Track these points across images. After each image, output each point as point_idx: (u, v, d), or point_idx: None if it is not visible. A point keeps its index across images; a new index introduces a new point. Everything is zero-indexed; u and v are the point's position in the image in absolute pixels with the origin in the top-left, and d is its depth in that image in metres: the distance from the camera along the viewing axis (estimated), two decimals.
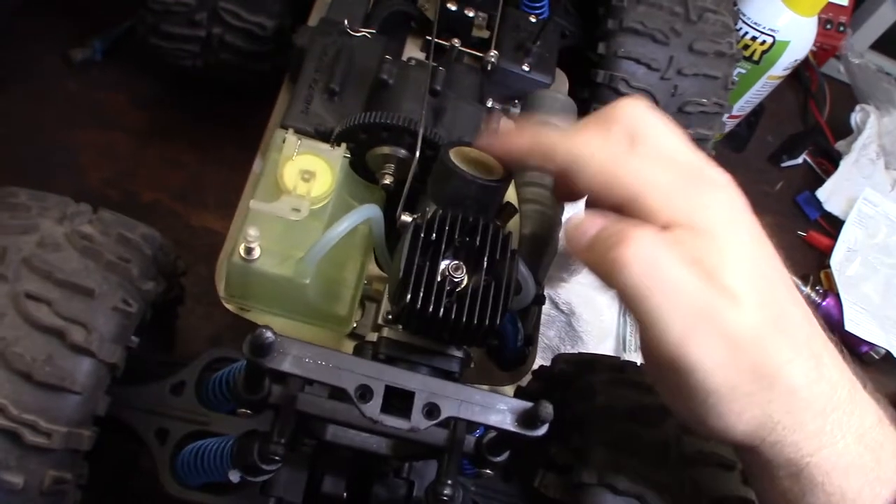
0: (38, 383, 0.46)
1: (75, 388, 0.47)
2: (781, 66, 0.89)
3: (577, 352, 0.83)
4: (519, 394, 0.67)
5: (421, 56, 0.72)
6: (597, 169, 0.41)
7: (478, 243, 0.51)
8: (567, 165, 0.43)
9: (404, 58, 0.73)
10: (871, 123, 1.05)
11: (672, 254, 0.38)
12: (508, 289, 0.51)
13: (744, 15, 0.88)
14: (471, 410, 0.44)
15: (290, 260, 0.53)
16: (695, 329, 0.37)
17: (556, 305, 0.80)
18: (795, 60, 0.89)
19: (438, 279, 0.49)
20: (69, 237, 0.52)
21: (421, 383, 0.44)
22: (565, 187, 0.48)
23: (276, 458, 0.47)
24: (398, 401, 0.44)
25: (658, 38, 0.77)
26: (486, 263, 0.51)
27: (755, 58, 0.89)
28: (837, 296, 0.99)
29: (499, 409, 0.45)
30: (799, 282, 1.00)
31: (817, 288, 1.01)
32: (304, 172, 0.54)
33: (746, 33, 0.88)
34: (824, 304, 0.99)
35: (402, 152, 0.60)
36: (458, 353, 0.56)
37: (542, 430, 0.45)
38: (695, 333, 0.37)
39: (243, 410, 0.48)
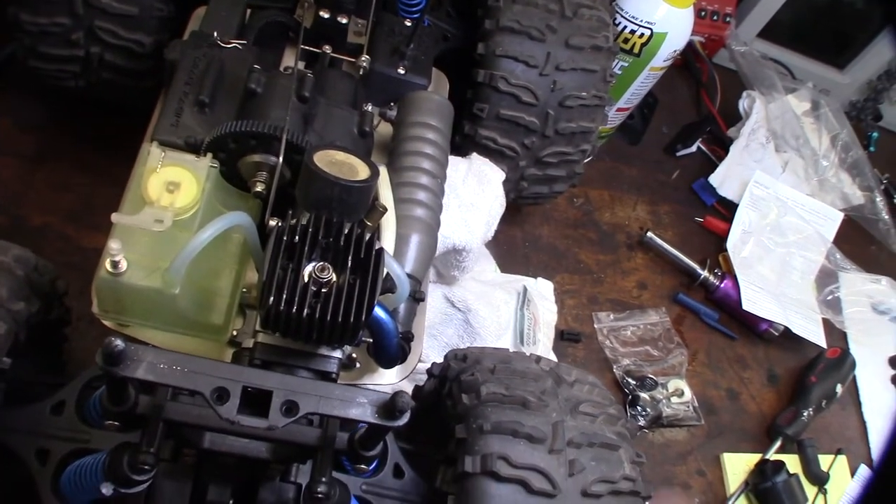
0: None
1: None
2: (661, 58, 0.92)
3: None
4: (416, 393, 0.68)
5: (300, 66, 0.73)
6: None
7: (342, 244, 0.53)
8: None
9: (282, 67, 0.74)
10: (757, 108, 1.09)
11: None
12: (374, 286, 0.52)
13: (621, 10, 0.91)
14: (330, 405, 0.45)
15: (158, 272, 0.53)
16: None
17: (451, 304, 0.81)
18: (675, 51, 0.92)
19: (305, 281, 0.50)
20: None
21: (279, 382, 0.45)
22: None
23: (147, 467, 0.47)
24: (259, 402, 0.45)
25: (534, 36, 0.79)
26: (350, 263, 0.52)
27: (635, 51, 0.92)
28: (735, 277, 1.02)
29: (359, 403, 0.45)
30: (696, 266, 1.03)
31: (715, 271, 1.04)
32: (169, 184, 0.54)
33: (625, 27, 0.91)
34: (722, 286, 1.02)
35: (273, 159, 0.61)
36: (336, 354, 0.56)
37: (403, 421, 0.46)
38: None
39: (111, 423, 0.48)
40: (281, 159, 0.56)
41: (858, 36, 1.24)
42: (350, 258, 0.52)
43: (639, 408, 0.91)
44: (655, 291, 1.02)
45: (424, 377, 0.67)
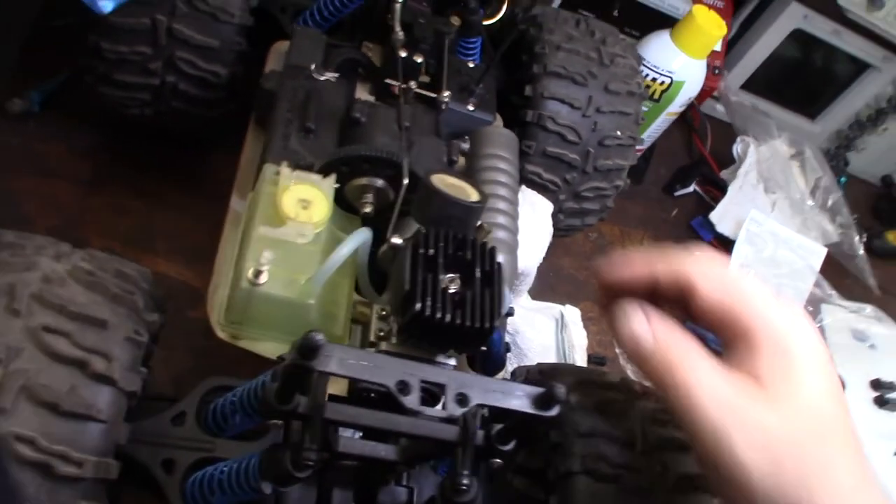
0: (66, 413, 0.46)
1: (101, 416, 0.47)
2: (678, 104, 1.01)
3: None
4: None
5: (369, 98, 0.78)
6: (716, 281, 0.47)
7: (468, 257, 0.57)
8: (689, 274, 0.47)
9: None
10: (751, 153, 1.19)
11: (705, 354, 0.45)
12: (500, 295, 0.57)
13: (645, 59, 0.99)
14: (494, 397, 0.49)
15: (294, 283, 0.57)
16: (729, 432, 0.42)
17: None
18: (689, 98, 1.01)
19: (445, 291, 0.54)
20: (72, 273, 0.54)
21: (449, 377, 0.49)
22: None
23: (311, 463, 0.50)
24: (427, 395, 0.49)
25: (578, 80, 0.86)
26: (478, 274, 0.57)
27: (655, 97, 1.00)
28: None
29: (517, 395, 0.50)
30: None
31: None
32: (302, 201, 0.58)
33: (647, 75, 0.99)
34: None
35: (380, 182, 0.65)
36: (450, 362, 0.61)
37: (555, 411, 0.50)
38: (730, 438, 0.42)
39: (274, 422, 0.51)
40: (406, 181, 0.61)
41: (826, 90, 1.37)
42: (477, 270, 0.57)
43: None
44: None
45: None
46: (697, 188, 1.24)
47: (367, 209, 0.65)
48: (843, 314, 1.20)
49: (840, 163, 1.40)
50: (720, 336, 0.48)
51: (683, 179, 1.22)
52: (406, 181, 0.61)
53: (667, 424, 0.67)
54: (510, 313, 0.69)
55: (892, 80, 1.32)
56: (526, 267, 0.81)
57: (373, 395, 0.58)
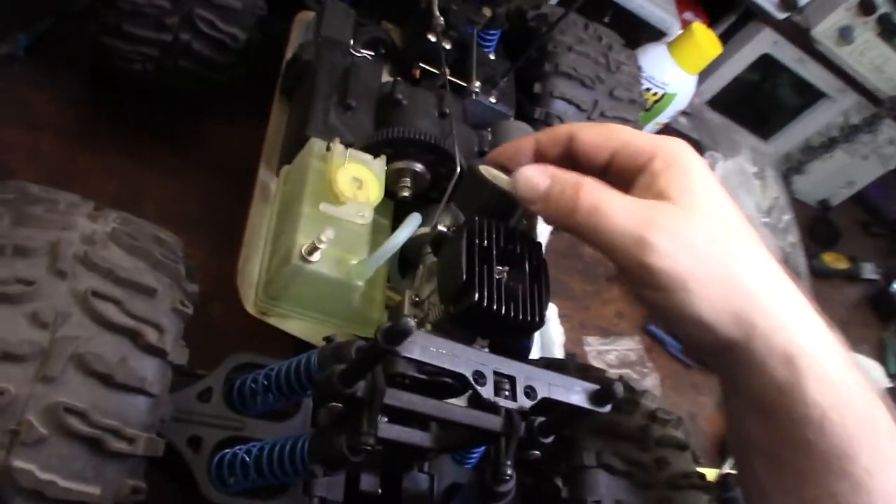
0: (118, 386, 0.43)
1: (152, 390, 0.45)
2: (667, 115, 1.04)
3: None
4: None
5: (389, 79, 0.77)
6: (595, 129, 0.50)
7: (517, 250, 0.58)
8: (571, 130, 0.51)
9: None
10: (719, 168, 1.23)
11: (612, 189, 0.47)
12: (547, 291, 0.58)
13: (641, 69, 1.02)
14: (558, 392, 0.50)
15: (343, 263, 0.56)
16: (648, 232, 0.44)
17: None
18: (678, 110, 1.04)
19: (499, 283, 0.55)
20: (112, 235, 0.51)
21: (518, 369, 0.49)
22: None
23: (369, 447, 0.49)
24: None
25: (586, 83, 0.87)
26: (528, 268, 0.57)
27: (647, 106, 1.03)
28: None
29: (576, 391, 0.51)
30: None
31: None
32: (355, 180, 0.57)
33: (642, 84, 1.02)
34: None
35: (419, 167, 0.65)
36: (485, 350, 0.61)
37: (608, 408, 0.52)
38: (649, 235, 0.44)
39: (334, 405, 0.50)
40: (459, 169, 0.61)
41: (782, 114, 1.44)
42: (527, 263, 0.57)
43: None
44: (631, 321, 1.13)
45: None
46: None
47: (405, 193, 0.64)
48: None
49: (787, 184, 1.47)
50: (610, 178, 0.49)
51: None
52: (458, 169, 0.60)
53: (666, 424, 0.70)
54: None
55: (844, 111, 1.40)
56: None
57: (407, 381, 0.58)
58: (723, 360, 0.49)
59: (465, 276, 0.54)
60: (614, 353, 1.06)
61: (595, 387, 0.51)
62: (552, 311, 1.03)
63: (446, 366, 0.46)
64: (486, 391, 0.47)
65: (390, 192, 0.65)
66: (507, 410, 0.55)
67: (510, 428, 0.55)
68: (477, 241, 0.56)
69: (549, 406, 0.54)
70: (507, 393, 0.49)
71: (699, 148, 1.30)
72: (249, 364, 0.60)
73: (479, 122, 0.77)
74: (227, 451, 0.55)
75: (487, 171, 0.62)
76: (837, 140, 1.39)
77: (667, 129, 1.34)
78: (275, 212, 0.61)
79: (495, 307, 0.54)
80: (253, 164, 0.71)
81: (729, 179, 1.24)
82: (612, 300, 1.13)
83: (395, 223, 0.61)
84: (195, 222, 0.83)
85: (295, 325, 0.60)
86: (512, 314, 0.54)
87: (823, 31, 1.23)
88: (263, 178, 0.66)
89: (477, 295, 0.53)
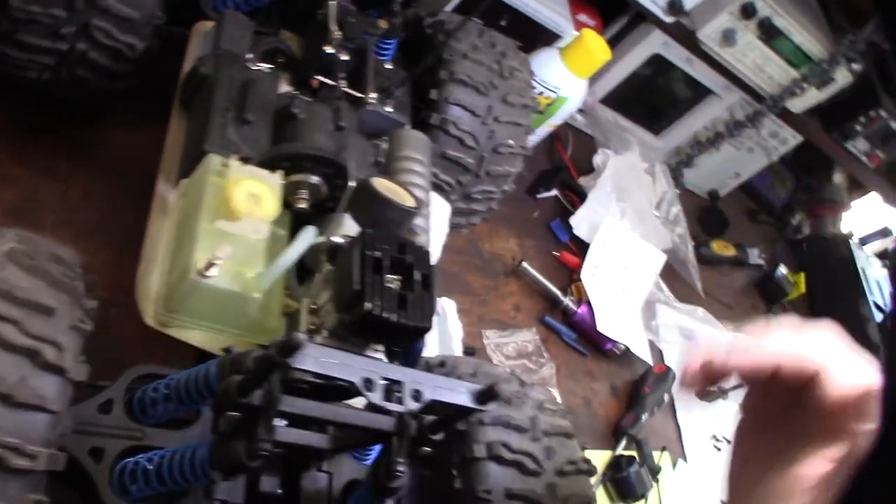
0: (18, 405, 0.45)
1: (52, 407, 0.46)
2: (560, 117, 1.09)
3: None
4: None
5: (288, 90, 0.79)
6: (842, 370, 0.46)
7: (409, 260, 0.62)
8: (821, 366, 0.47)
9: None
10: (610, 164, 1.30)
11: None
12: (433, 299, 0.62)
13: (534, 75, 1.06)
14: (443, 394, 0.54)
15: (241, 277, 0.58)
16: None
17: None
18: (570, 113, 1.10)
19: (391, 292, 0.58)
20: (11, 255, 0.52)
21: (406, 375, 0.53)
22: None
23: (265, 453, 0.52)
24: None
25: (481, 90, 0.91)
26: (418, 277, 0.61)
27: (541, 109, 1.08)
28: (589, 303, 1.21)
29: (461, 391, 0.55)
30: (559, 293, 1.21)
31: (572, 298, 1.22)
32: (252, 196, 0.59)
33: (536, 89, 1.07)
34: (579, 310, 1.21)
35: (315, 179, 0.67)
36: (380, 356, 0.65)
37: (492, 406, 0.56)
38: None
39: (232, 414, 0.52)
40: (352, 182, 0.64)
41: (672, 110, 1.52)
42: (417, 272, 0.61)
43: None
44: (528, 313, 1.18)
45: None
46: (558, 193, 1.34)
47: (302, 205, 0.67)
48: (674, 315, 1.35)
49: (677, 176, 1.55)
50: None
51: (546, 183, 1.31)
52: (352, 183, 0.64)
53: (554, 414, 0.75)
54: (438, 313, 0.73)
55: (729, 107, 1.48)
56: None
57: (305, 386, 0.61)
58: None
59: (357, 287, 0.58)
60: (512, 345, 1.12)
61: (478, 388, 0.56)
62: (450, 307, 1.07)
63: (337, 375, 0.50)
64: (376, 397, 0.51)
65: (288, 204, 0.67)
66: (399, 412, 0.60)
67: (402, 428, 0.59)
68: (369, 252, 0.59)
69: (437, 406, 0.58)
70: (396, 397, 0.52)
71: (593, 145, 1.37)
72: (150, 374, 0.62)
73: (375, 131, 0.80)
74: (128, 460, 0.57)
75: (380, 183, 0.66)
76: (723, 135, 1.48)
77: (564, 128, 1.40)
78: (173, 225, 0.63)
79: (386, 315, 0.57)
80: (154, 170, 0.72)
81: (621, 175, 1.30)
82: (510, 294, 1.18)
83: (294, 234, 0.63)
84: (96, 229, 0.83)
85: (195, 336, 0.62)
86: (403, 321, 0.58)
87: (708, 34, 1.30)
88: (162, 191, 0.67)
89: (368, 304, 0.57)
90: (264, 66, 0.72)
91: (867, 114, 1.54)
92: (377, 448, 0.69)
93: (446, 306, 1.05)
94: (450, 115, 0.90)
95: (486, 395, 0.55)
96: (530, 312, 1.19)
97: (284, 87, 0.78)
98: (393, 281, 0.60)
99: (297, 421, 0.58)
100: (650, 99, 1.50)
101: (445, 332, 1.00)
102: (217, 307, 0.59)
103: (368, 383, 0.51)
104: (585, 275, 1.24)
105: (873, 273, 1.76)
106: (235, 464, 0.53)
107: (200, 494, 0.59)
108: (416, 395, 0.53)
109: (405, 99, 0.85)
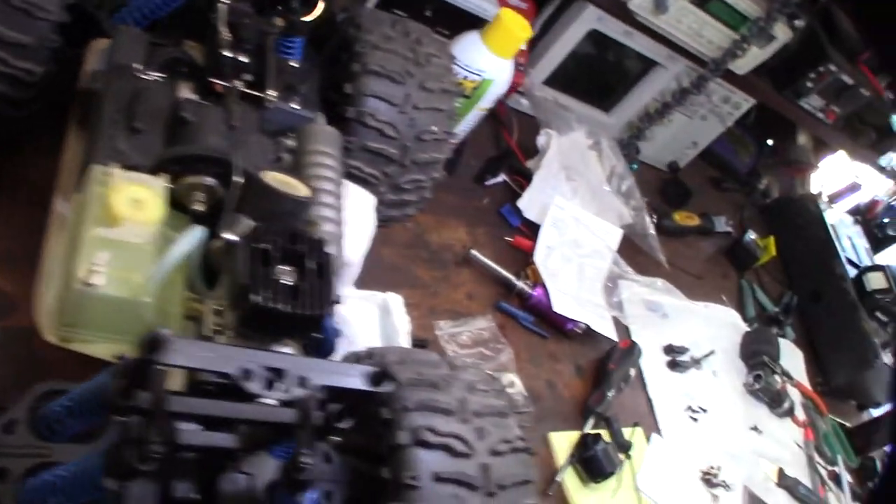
0: None
1: None
2: (488, 100, 1.08)
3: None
4: None
5: (193, 97, 0.79)
6: None
7: (301, 250, 0.61)
8: None
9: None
10: (553, 144, 1.29)
11: None
12: (331, 284, 0.61)
13: (457, 59, 1.06)
14: (332, 378, 0.54)
15: (129, 282, 0.58)
16: None
17: None
18: (498, 94, 1.09)
19: (280, 282, 0.58)
20: None
21: (289, 362, 0.53)
22: None
23: (156, 455, 0.51)
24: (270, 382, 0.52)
25: (396, 79, 0.91)
26: (310, 265, 0.61)
27: (467, 93, 1.07)
28: (544, 286, 1.21)
29: (352, 375, 0.55)
30: (512, 277, 1.20)
31: (527, 281, 1.22)
32: (134, 201, 0.59)
33: (460, 73, 1.06)
34: (534, 293, 1.20)
35: (210, 180, 0.67)
36: (286, 350, 0.64)
37: (389, 387, 0.55)
38: None
39: (119, 418, 0.52)
40: (240, 179, 0.63)
41: (619, 85, 1.51)
42: (309, 262, 0.61)
43: None
44: (481, 301, 1.18)
45: None
46: (506, 178, 1.33)
47: (198, 207, 0.66)
48: (637, 288, 1.34)
49: (632, 151, 1.54)
50: None
51: (493, 170, 1.31)
52: (238, 179, 0.63)
53: (487, 393, 0.74)
54: (339, 301, 0.73)
55: (675, 77, 1.47)
56: (351, 258, 0.85)
57: (211, 387, 0.60)
58: None
59: (244, 280, 0.57)
60: (467, 333, 1.11)
61: (372, 370, 0.55)
62: (396, 301, 1.06)
63: (210, 367, 0.50)
64: (255, 386, 0.50)
65: (185, 207, 0.67)
66: (301, 402, 0.59)
67: (304, 419, 0.58)
68: (257, 245, 0.59)
69: (340, 394, 0.57)
70: (281, 385, 0.52)
71: (537, 126, 1.36)
72: (54, 391, 0.62)
73: (283, 129, 0.80)
74: (35, 478, 0.57)
75: (270, 176, 0.65)
76: (671, 105, 1.47)
77: (508, 113, 1.40)
78: (66, 240, 0.63)
79: (274, 306, 0.57)
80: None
81: (566, 154, 1.30)
82: (462, 283, 1.18)
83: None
84: (15, 259, 0.83)
85: (99, 349, 0.62)
86: (294, 310, 0.58)
87: (639, 3, 1.30)
88: (59, 209, 0.67)
89: (255, 297, 0.57)
90: (157, 75, 0.72)
91: (817, 69, 1.53)
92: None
93: (391, 301, 1.04)
94: (366, 107, 0.89)
95: (379, 376, 0.55)
96: (484, 300, 1.18)
97: (188, 95, 0.78)
98: (284, 272, 0.59)
99: (207, 423, 0.58)
100: (596, 76, 1.49)
101: (391, 326, 0.99)
102: (111, 316, 0.59)
103: (247, 374, 0.51)
104: (538, 257, 1.23)
105: (845, 230, 1.75)
106: (126, 469, 0.53)
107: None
108: (302, 382, 0.53)
109: (313, 95, 0.84)
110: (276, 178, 0.64)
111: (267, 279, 0.58)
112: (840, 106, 1.59)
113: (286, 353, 0.55)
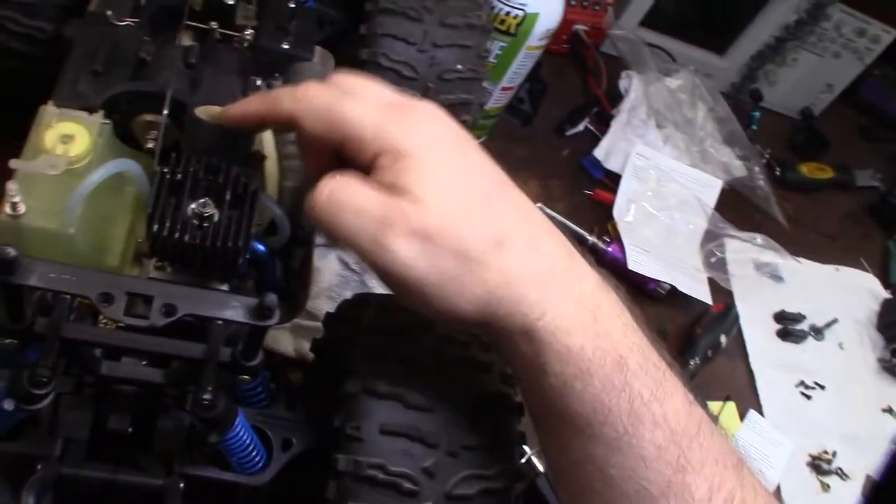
0: None
1: None
2: (536, 37, 1.00)
3: None
4: (315, 345, 0.73)
5: (192, 44, 0.79)
6: (316, 113, 0.49)
7: (220, 181, 0.59)
8: (292, 113, 0.50)
9: None
10: (635, 87, 1.18)
11: (357, 184, 0.47)
12: (250, 218, 0.58)
13: None
14: (206, 307, 0.51)
15: (55, 214, 0.58)
16: (383, 235, 0.45)
17: (347, 266, 0.88)
18: (548, 30, 1.00)
19: (190, 213, 0.56)
20: None
21: (160, 289, 0.51)
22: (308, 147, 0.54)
23: (45, 380, 0.51)
24: (143, 308, 0.50)
25: (412, 16, 0.86)
26: (228, 197, 0.58)
27: (511, 31, 1.00)
28: (622, 242, 1.10)
29: (232, 306, 0.51)
30: (584, 232, 1.11)
31: (604, 237, 1.12)
32: (64, 136, 0.60)
33: (501, 10, 0.99)
34: (610, 250, 1.11)
35: (157, 117, 0.67)
36: (223, 287, 0.62)
37: (273, 321, 0.52)
38: (384, 238, 0.45)
39: (10, 341, 0.53)
40: (166, 111, 0.62)
41: (734, 23, 1.35)
42: (228, 195, 0.58)
43: None
44: None
45: None
46: (590, 127, 1.24)
47: (150, 144, 0.66)
48: (744, 247, 1.20)
49: (750, 96, 1.38)
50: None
51: (575, 119, 1.22)
52: (166, 111, 0.62)
53: (469, 346, 0.68)
54: (302, 243, 0.70)
55: (796, 8, 1.29)
56: None
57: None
58: (482, 334, 0.54)
59: (149, 209, 0.56)
60: None
61: (254, 301, 0.52)
62: None
63: (69, 289, 0.48)
64: (114, 311, 0.49)
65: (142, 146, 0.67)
66: (211, 336, 0.57)
67: (210, 354, 0.56)
68: (170, 175, 0.57)
69: (248, 331, 0.55)
70: (147, 312, 0.50)
71: (622, 70, 1.25)
72: None
73: (276, 70, 0.79)
74: None
75: (205, 111, 0.64)
76: (784, 39, 1.29)
77: (596, 57, 1.30)
78: None
79: (178, 236, 0.55)
80: None
81: (654, 99, 1.18)
82: None
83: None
84: None
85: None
86: (201, 242, 0.56)
87: None
88: None
89: (156, 226, 0.55)
90: (129, 21, 0.73)
91: None
92: (258, 388, 0.67)
93: None
94: (380, 47, 0.85)
95: (260, 309, 0.51)
96: None
97: (187, 42, 0.79)
98: (203, 205, 0.57)
99: (115, 353, 0.58)
100: (705, 15, 1.34)
101: None
102: (39, 247, 0.59)
103: (106, 297, 0.49)
104: (617, 210, 1.13)
105: None
106: (23, 393, 0.53)
107: (44, 431, 0.59)
108: (168, 310, 0.50)
109: (307, 34, 0.82)
110: (208, 112, 0.62)
111: (173, 209, 0.56)
112: None
113: (159, 280, 0.53)
